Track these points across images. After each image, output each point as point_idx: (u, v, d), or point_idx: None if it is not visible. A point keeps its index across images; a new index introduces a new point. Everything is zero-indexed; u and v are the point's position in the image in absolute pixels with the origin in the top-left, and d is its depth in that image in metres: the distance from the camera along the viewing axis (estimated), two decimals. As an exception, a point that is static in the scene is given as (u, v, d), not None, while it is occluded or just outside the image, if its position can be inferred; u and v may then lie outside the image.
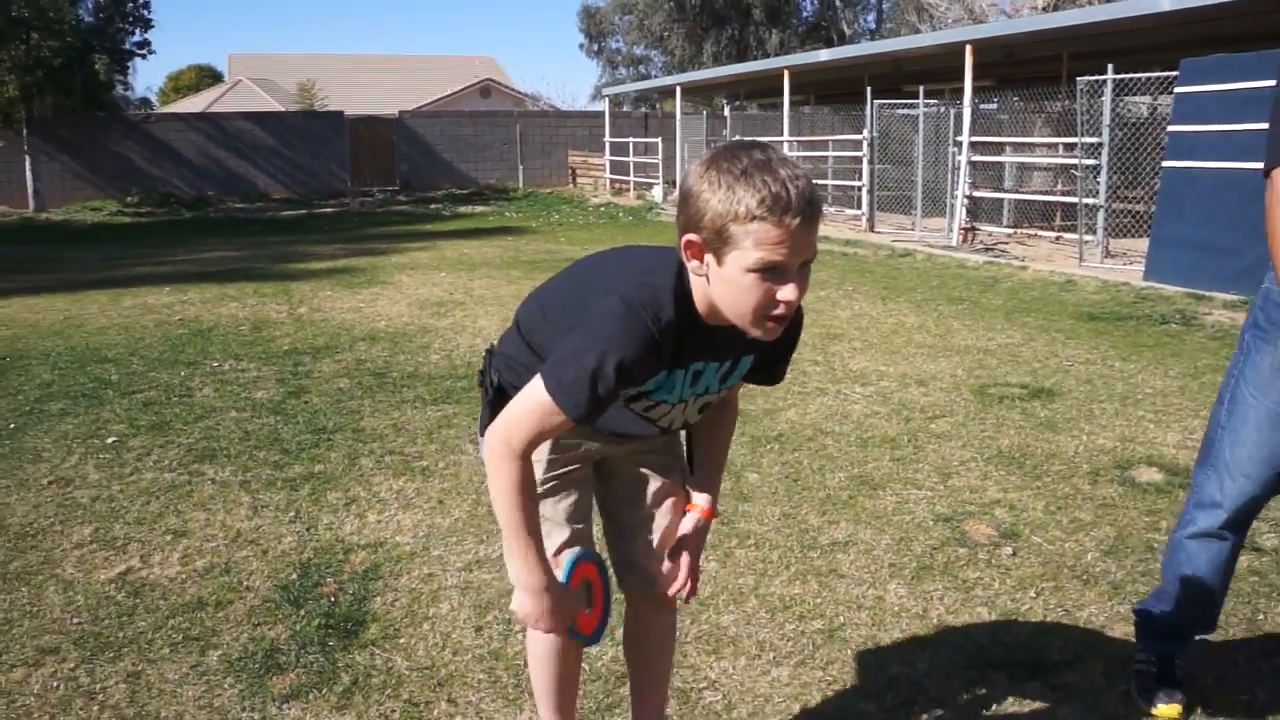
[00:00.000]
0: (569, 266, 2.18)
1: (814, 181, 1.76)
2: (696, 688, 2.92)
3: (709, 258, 1.77)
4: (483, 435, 2.05)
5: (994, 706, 2.83)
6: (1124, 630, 3.27)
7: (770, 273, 1.73)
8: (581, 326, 1.85)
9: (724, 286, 1.78)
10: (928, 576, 3.64)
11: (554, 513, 2.18)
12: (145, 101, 31.65)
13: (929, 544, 3.92)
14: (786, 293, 1.75)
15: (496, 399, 2.08)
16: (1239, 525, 2.70)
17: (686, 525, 2.31)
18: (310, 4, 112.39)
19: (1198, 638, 2.98)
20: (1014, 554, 3.85)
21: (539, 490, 2.09)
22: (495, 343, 2.27)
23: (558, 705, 2.37)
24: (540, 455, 2.13)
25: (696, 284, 1.85)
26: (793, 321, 2.01)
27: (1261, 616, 3.39)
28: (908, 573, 3.66)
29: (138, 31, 26.39)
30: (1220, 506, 2.69)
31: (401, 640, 3.20)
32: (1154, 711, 2.78)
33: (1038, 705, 2.84)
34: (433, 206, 24.26)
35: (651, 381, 1.95)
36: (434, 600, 3.47)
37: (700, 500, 2.32)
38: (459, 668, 3.04)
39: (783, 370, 2.20)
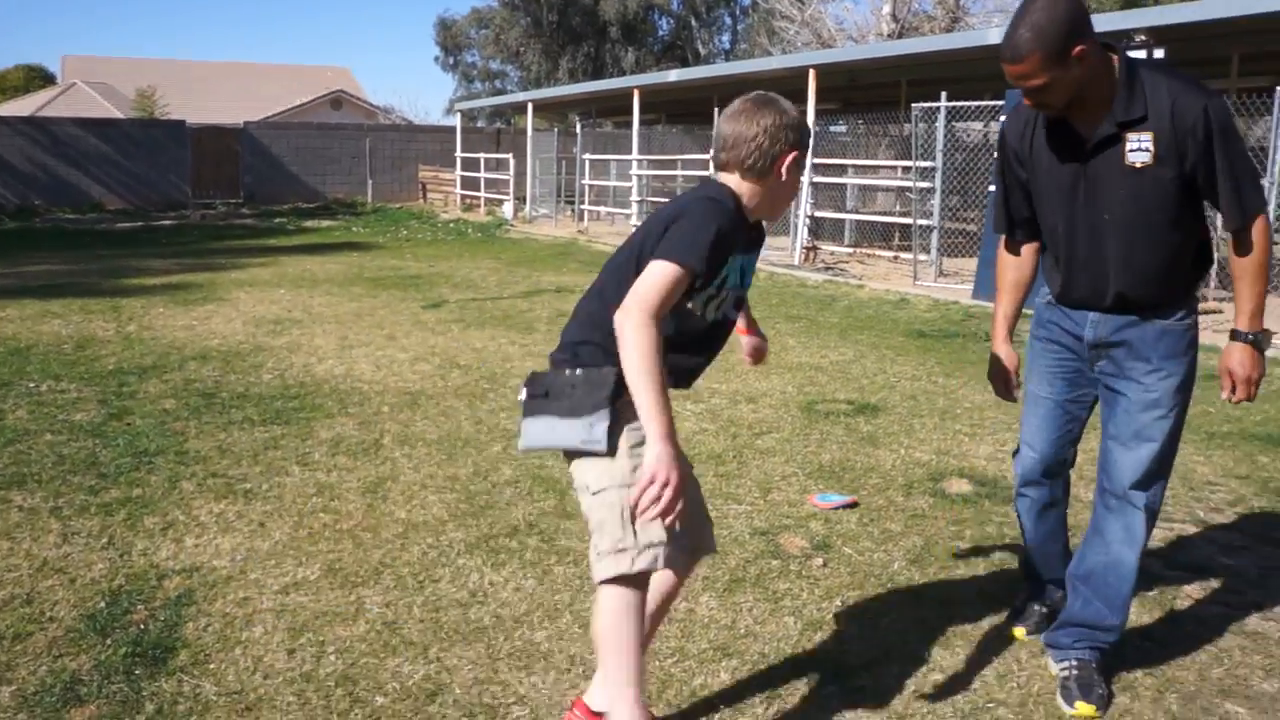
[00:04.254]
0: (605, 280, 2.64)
1: None
2: (505, 703, 2.96)
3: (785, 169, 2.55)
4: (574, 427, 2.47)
5: (792, 712, 2.95)
6: (921, 635, 3.44)
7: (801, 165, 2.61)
8: (681, 223, 2.43)
9: (782, 188, 2.58)
10: (739, 589, 3.76)
11: None
12: (-36, 103, 30.00)
13: (744, 557, 4.05)
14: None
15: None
16: (1032, 484, 3.35)
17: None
18: (154, 6, 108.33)
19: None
20: (825, 565, 4.00)
21: None
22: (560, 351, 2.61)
23: (637, 667, 2.48)
24: None
25: (755, 191, 2.56)
26: None
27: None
28: (720, 586, 3.78)
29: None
30: (1019, 473, 3.38)
31: (211, 666, 3.16)
32: (1013, 632, 3.47)
33: (832, 708, 2.97)
34: (277, 220, 23.74)
35: (725, 267, 2.52)
36: (247, 624, 3.43)
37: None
38: (268, 691, 3.02)
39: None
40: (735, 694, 3.03)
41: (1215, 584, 3.96)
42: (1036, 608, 3.52)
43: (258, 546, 4.09)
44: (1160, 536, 4.39)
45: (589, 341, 2.53)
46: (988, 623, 3.56)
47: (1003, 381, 3.32)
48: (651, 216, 2.59)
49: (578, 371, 2.49)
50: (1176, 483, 4.95)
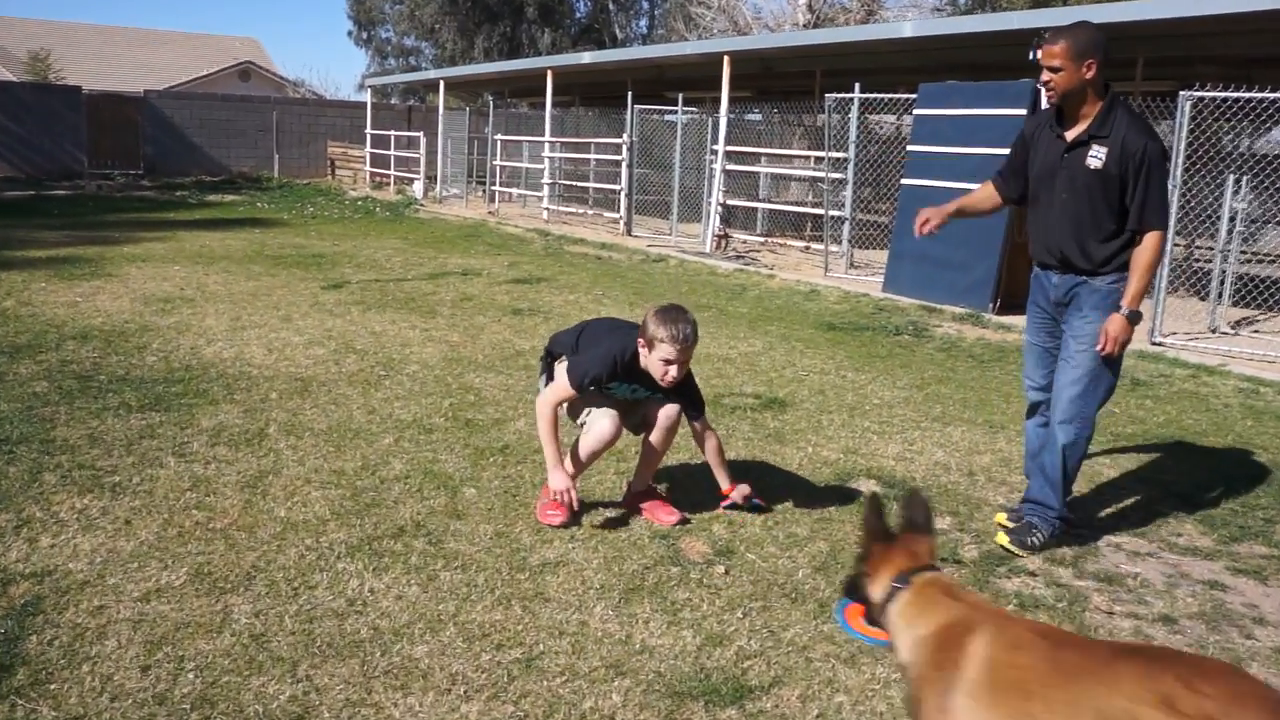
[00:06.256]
0: (596, 322, 4.46)
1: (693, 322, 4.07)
2: (378, 730, 2.73)
3: (646, 348, 4.04)
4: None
5: (687, 738, 2.77)
6: (825, 650, 3.29)
7: (668, 363, 4.01)
8: (592, 354, 4.12)
9: (650, 361, 4.05)
10: (636, 599, 3.56)
11: (599, 402, 4.23)
12: None
13: (642, 563, 3.85)
14: (671, 373, 4.03)
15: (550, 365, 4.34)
16: (1034, 408, 4.57)
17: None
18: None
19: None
20: (726, 573, 3.83)
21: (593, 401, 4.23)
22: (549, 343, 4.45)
23: (585, 464, 4.31)
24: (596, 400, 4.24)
25: (642, 354, 4.07)
26: (685, 380, 4.19)
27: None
28: (616, 594, 3.58)
29: None
30: (1027, 399, 4.62)
31: (53, 686, 2.87)
32: (997, 518, 4.55)
33: (731, 734, 2.80)
34: (179, 193, 22.91)
35: (614, 384, 4.17)
36: (100, 637, 3.14)
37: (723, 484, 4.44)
38: (114, 716, 2.74)
39: (691, 401, 4.31)
40: (629, 718, 2.84)
41: (1124, 594, 3.88)
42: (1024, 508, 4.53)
43: (120, 547, 3.78)
44: (1067, 542, 4.32)
45: (560, 353, 4.33)
46: (894, 636, 3.41)
47: (923, 220, 4.55)
48: (597, 325, 4.39)
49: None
50: (1082, 486, 4.89)
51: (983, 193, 4.68)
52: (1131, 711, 1.93)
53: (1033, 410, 4.57)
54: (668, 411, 4.30)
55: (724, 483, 4.40)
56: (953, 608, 2.25)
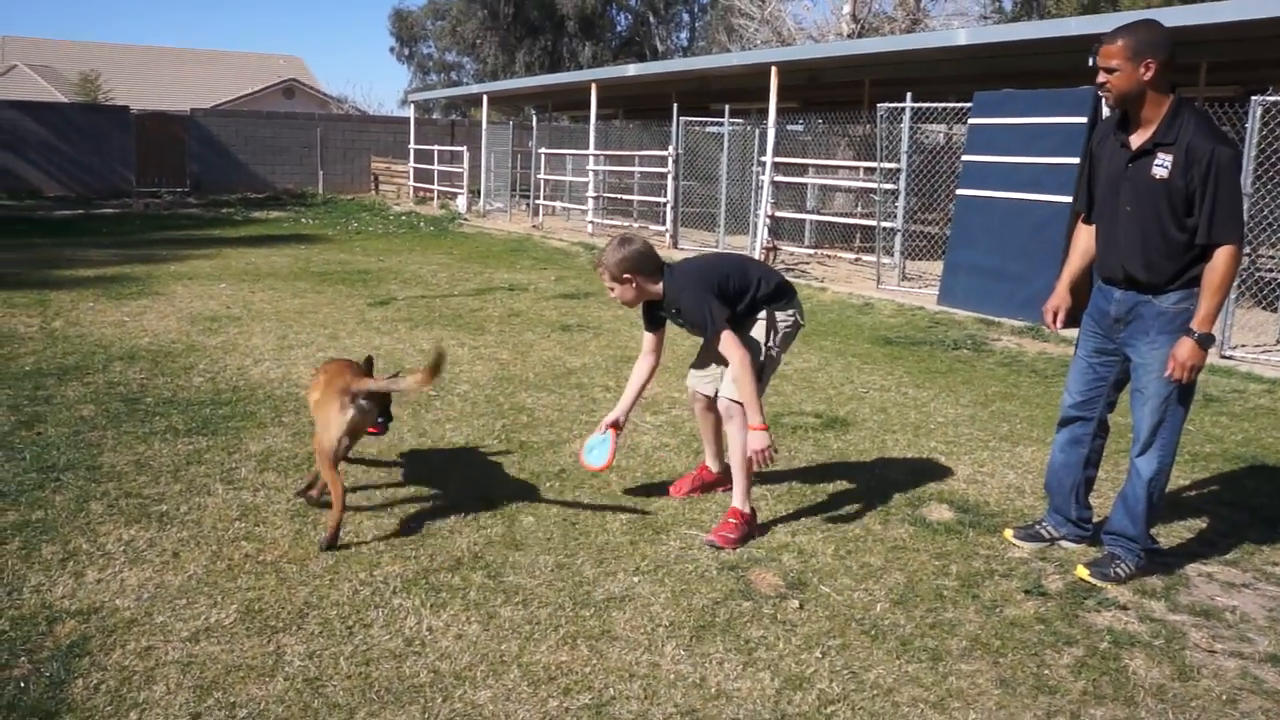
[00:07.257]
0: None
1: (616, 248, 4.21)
2: (441, 786, 2.55)
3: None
4: None
5: (772, 795, 2.57)
6: (912, 694, 3.08)
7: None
8: None
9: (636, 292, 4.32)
10: (708, 636, 3.37)
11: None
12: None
13: (712, 597, 3.65)
14: (610, 296, 4.33)
15: None
16: (1065, 422, 4.34)
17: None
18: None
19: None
20: (801, 607, 3.62)
21: None
22: None
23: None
24: None
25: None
26: (681, 311, 4.27)
27: (1048, 671, 3.26)
28: (686, 632, 3.38)
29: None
30: (1061, 409, 4.37)
31: (98, 735, 2.72)
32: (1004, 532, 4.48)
33: (818, 791, 2.60)
34: (225, 210, 23.03)
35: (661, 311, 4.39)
36: (147, 681, 2.99)
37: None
38: (163, 769, 2.59)
39: (699, 332, 4.30)
40: (707, 771, 2.65)
41: (1224, 630, 3.64)
42: (1037, 527, 4.44)
43: (168, 582, 3.64)
44: (1158, 574, 4.08)
45: None
46: (984, 679, 3.20)
47: (1050, 312, 4.30)
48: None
49: None
50: (1167, 512, 4.64)
51: (1079, 244, 4.29)
52: (321, 390, 4.20)
53: (1064, 423, 4.34)
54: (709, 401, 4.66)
55: (711, 462, 4.89)
56: (324, 368, 4.39)
